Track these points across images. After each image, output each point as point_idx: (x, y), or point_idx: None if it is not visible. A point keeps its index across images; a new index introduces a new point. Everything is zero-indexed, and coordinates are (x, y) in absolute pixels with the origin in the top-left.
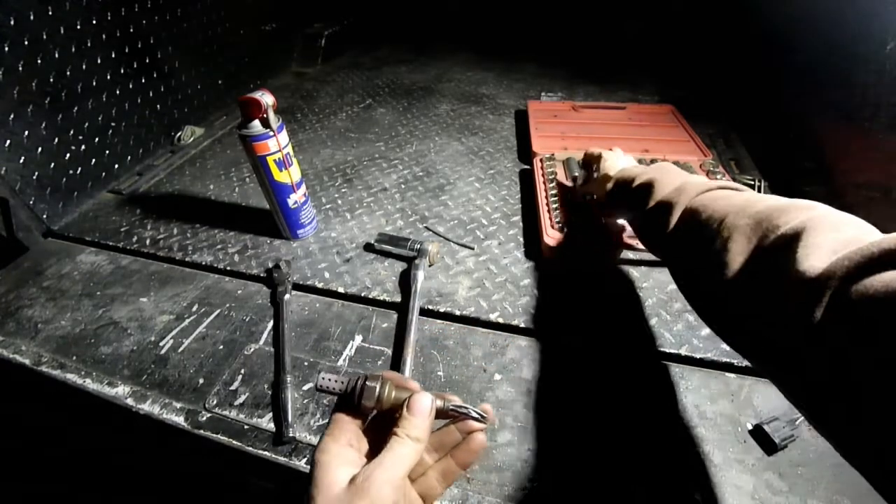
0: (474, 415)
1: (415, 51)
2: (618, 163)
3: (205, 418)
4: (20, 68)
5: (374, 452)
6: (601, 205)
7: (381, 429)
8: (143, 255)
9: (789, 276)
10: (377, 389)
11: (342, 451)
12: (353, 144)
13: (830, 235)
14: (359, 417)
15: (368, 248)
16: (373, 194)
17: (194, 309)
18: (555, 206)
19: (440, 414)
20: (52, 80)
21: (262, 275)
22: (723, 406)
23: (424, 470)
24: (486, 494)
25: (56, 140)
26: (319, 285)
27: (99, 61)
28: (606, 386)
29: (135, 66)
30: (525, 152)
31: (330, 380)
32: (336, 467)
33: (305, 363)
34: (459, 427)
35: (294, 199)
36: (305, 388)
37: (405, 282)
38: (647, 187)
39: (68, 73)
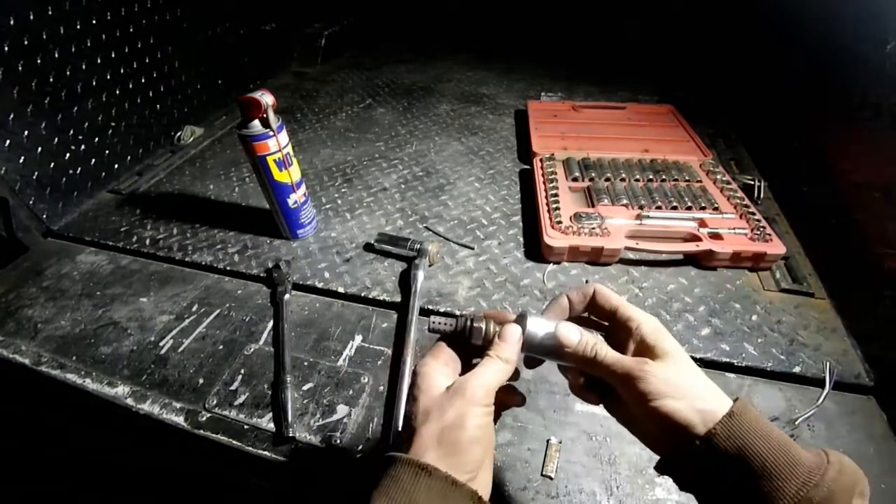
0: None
1: (415, 51)
2: (688, 380)
3: (205, 418)
4: (20, 68)
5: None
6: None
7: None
8: (143, 255)
9: None
10: (483, 329)
11: (440, 367)
12: (353, 144)
13: None
14: (457, 349)
15: (368, 248)
16: (373, 194)
17: (194, 309)
18: (555, 206)
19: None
20: (51, 79)
21: (261, 275)
22: None
23: None
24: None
25: (56, 140)
26: (319, 285)
27: (99, 61)
28: (606, 386)
29: (134, 65)
30: (525, 152)
31: (441, 323)
32: (436, 376)
33: (305, 363)
34: None
35: (294, 198)
36: (305, 387)
37: (405, 282)
38: None
39: (68, 72)
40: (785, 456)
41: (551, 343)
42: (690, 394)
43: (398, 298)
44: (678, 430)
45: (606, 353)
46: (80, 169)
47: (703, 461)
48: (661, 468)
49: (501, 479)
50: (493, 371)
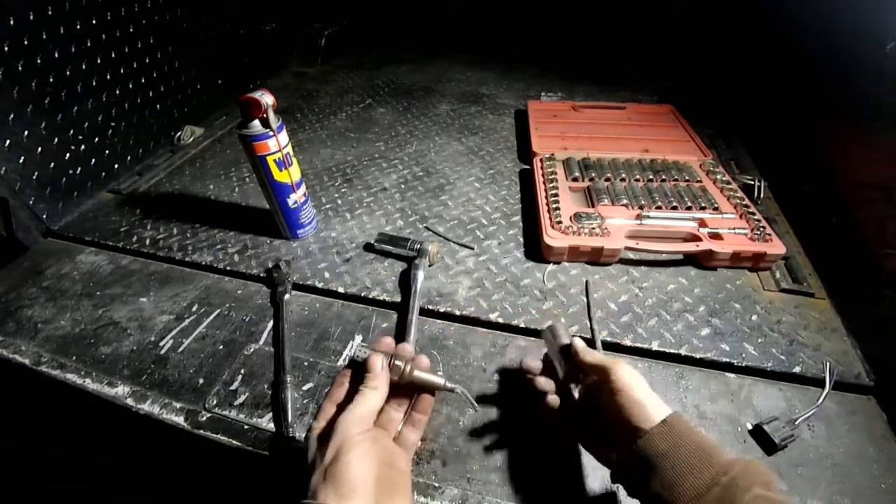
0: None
1: (415, 51)
2: (641, 392)
3: (205, 418)
4: (20, 68)
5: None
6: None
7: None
8: (143, 255)
9: None
10: (401, 367)
11: (324, 426)
12: (353, 144)
13: None
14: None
15: (368, 248)
16: (373, 194)
17: (194, 309)
18: (555, 206)
19: (409, 382)
20: (51, 79)
21: (261, 275)
22: (722, 406)
23: (398, 426)
24: (486, 494)
25: (56, 140)
26: (319, 285)
27: (99, 61)
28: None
29: (134, 65)
30: (525, 152)
31: (361, 354)
32: (318, 438)
33: (305, 363)
34: (420, 384)
35: (294, 198)
36: (305, 387)
37: (405, 282)
38: None
39: (68, 72)
40: (704, 456)
41: (559, 347)
42: (648, 396)
43: (398, 298)
44: (631, 423)
45: (593, 354)
46: (79, 169)
47: (642, 456)
48: (614, 476)
49: (501, 479)
50: (362, 402)
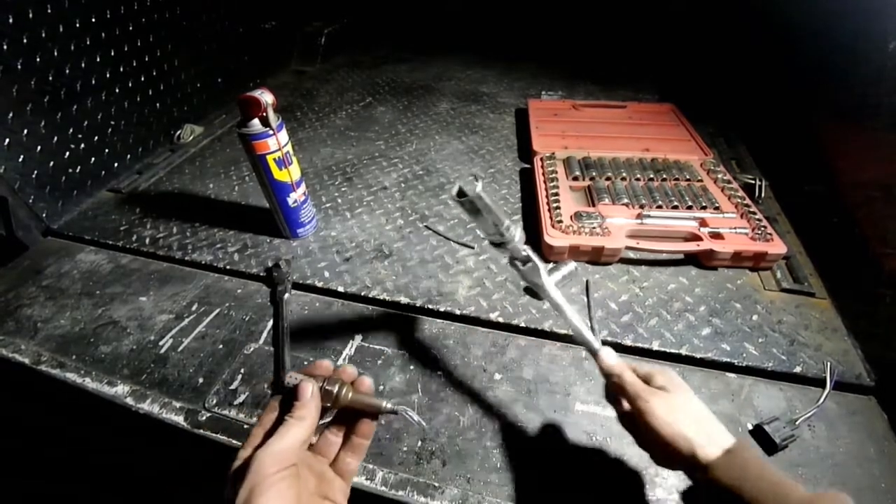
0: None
1: (415, 49)
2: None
3: (204, 418)
4: (19, 66)
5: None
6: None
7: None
8: (143, 254)
9: None
10: (334, 392)
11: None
12: (353, 143)
13: None
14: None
15: (461, 195)
16: (373, 193)
17: (194, 308)
18: (556, 205)
19: (346, 407)
20: (51, 78)
21: (261, 274)
22: (723, 406)
23: (336, 451)
24: (486, 494)
25: (55, 139)
26: (319, 284)
27: (98, 59)
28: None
29: (134, 64)
30: (525, 151)
31: (291, 381)
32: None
33: (305, 362)
34: (359, 407)
35: (294, 197)
36: None
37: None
38: None
39: (67, 71)
40: (776, 494)
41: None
42: (694, 429)
43: (398, 298)
44: (682, 454)
45: (622, 376)
46: (79, 167)
47: (705, 491)
48: (684, 498)
49: (501, 479)
50: (284, 435)
